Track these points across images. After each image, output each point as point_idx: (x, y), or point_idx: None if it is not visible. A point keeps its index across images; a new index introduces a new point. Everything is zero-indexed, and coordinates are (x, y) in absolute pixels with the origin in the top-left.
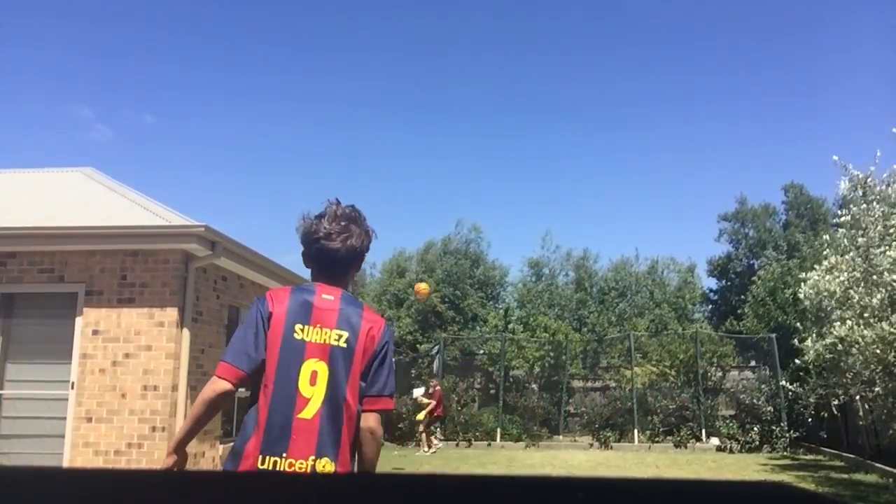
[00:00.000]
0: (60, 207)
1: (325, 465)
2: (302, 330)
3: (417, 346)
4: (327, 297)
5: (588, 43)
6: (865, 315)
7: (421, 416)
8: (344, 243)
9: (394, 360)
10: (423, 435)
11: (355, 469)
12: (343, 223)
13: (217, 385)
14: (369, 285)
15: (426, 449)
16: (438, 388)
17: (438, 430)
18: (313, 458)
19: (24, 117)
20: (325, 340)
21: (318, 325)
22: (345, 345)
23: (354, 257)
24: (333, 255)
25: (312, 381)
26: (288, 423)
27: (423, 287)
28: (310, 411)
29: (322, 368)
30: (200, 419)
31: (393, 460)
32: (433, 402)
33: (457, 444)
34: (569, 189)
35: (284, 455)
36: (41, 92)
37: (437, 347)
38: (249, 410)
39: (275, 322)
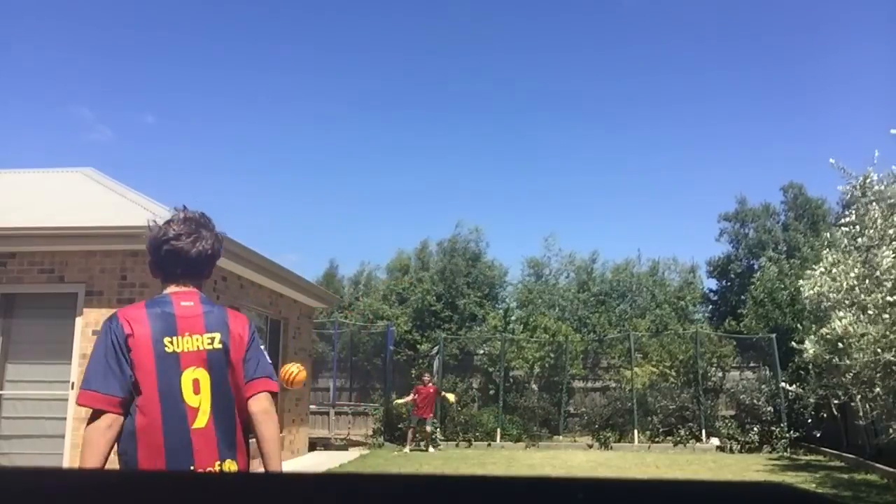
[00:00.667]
0: (60, 207)
1: (230, 466)
2: (171, 342)
3: (417, 346)
4: (186, 303)
5: (588, 42)
6: (868, 313)
7: (400, 401)
8: (194, 245)
9: (263, 346)
10: (409, 432)
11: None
12: (192, 226)
13: (102, 421)
14: (377, 284)
15: (407, 448)
16: (427, 386)
17: (438, 430)
18: (218, 463)
19: (25, 118)
20: (198, 347)
21: (188, 334)
22: (220, 346)
23: (206, 259)
24: (185, 256)
25: (196, 390)
26: (186, 437)
27: (293, 372)
28: (202, 420)
29: (202, 375)
30: (105, 462)
31: (393, 461)
32: (415, 397)
33: (457, 445)
34: (569, 189)
35: (192, 468)
36: (42, 93)
37: (436, 348)
38: (127, 438)
39: (139, 342)
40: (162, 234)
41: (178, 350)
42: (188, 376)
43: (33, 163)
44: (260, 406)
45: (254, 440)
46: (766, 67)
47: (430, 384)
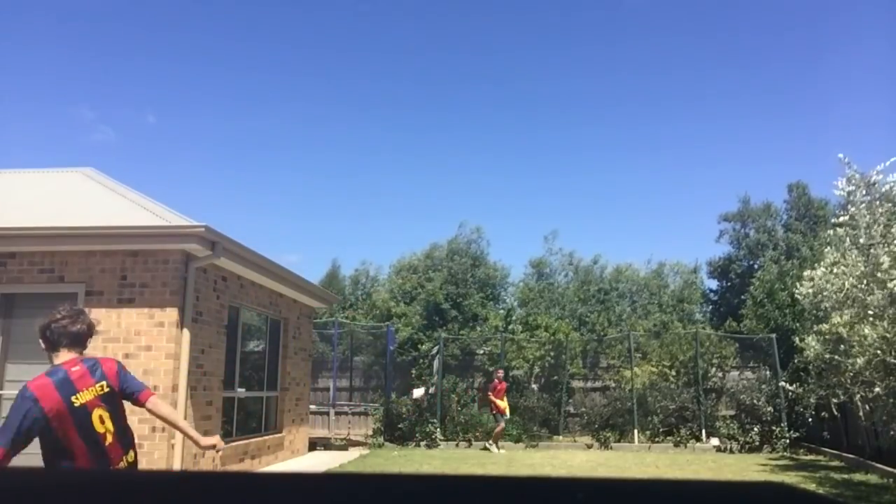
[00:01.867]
0: (60, 207)
1: (129, 458)
2: (77, 398)
3: (419, 345)
4: (75, 368)
5: (591, 44)
6: (868, 314)
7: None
8: (84, 323)
9: (130, 373)
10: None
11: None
12: (75, 312)
13: None
14: (384, 284)
15: (495, 448)
16: (503, 382)
17: (438, 430)
18: (123, 458)
19: (28, 119)
20: (95, 394)
21: (85, 388)
22: (107, 389)
23: (90, 332)
24: (78, 332)
25: (101, 422)
26: (104, 451)
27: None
28: (109, 438)
29: (103, 411)
30: None
31: (393, 460)
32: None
33: (457, 445)
34: (572, 190)
35: (111, 466)
36: (44, 93)
37: (437, 347)
38: (63, 463)
39: (55, 410)
40: (55, 322)
41: (84, 401)
42: (95, 415)
43: (36, 164)
44: (152, 403)
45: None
46: (772, 68)
47: (503, 380)
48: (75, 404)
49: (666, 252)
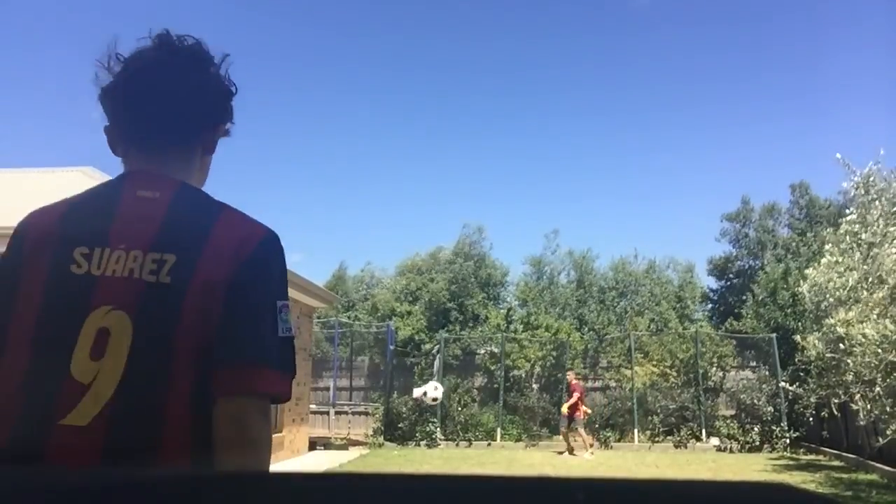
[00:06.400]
0: None
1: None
2: (89, 255)
3: (421, 345)
4: (146, 192)
5: (593, 43)
6: (870, 314)
7: (564, 409)
8: (171, 73)
9: (284, 303)
10: (565, 437)
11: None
12: (166, 51)
13: None
14: (388, 285)
15: (587, 452)
16: (573, 381)
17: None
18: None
19: (31, 120)
20: (131, 272)
21: (123, 247)
22: (167, 279)
23: (197, 99)
24: (149, 95)
25: (97, 352)
26: (39, 436)
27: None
28: (85, 413)
29: (120, 325)
30: None
31: (393, 460)
32: (573, 398)
33: (457, 444)
34: (572, 189)
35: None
36: (47, 94)
37: (437, 347)
38: None
39: (32, 247)
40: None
41: (95, 272)
42: (93, 323)
43: (39, 164)
44: (227, 411)
45: None
46: (774, 67)
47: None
48: (73, 269)
49: (665, 251)
